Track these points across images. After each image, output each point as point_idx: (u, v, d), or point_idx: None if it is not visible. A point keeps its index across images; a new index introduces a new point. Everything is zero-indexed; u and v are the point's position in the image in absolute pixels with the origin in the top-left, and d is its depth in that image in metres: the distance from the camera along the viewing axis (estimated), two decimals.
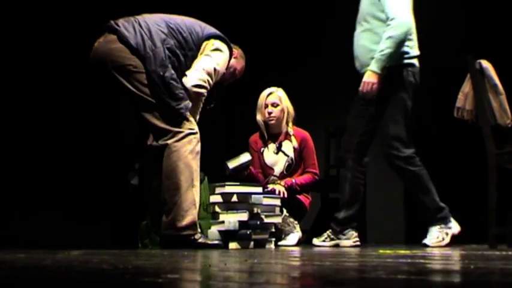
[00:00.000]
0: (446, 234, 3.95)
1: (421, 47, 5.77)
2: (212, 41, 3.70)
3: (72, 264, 2.08)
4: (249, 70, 4.14)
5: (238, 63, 3.99)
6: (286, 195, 4.37)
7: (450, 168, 5.74)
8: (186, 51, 3.62)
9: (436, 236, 3.96)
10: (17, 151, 4.45)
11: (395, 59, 3.96)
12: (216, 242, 3.60)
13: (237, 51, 3.94)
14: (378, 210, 5.72)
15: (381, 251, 3.10)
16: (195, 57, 3.65)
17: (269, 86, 4.74)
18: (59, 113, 4.59)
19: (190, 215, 3.47)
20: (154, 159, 3.57)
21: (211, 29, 3.74)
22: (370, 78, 3.91)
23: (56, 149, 4.56)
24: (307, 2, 5.99)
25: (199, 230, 3.54)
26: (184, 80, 3.59)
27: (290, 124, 4.68)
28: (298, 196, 4.55)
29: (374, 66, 3.91)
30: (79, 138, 4.63)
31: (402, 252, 3.02)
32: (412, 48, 4.09)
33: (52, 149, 4.55)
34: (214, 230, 3.74)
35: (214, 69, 3.63)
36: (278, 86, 4.73)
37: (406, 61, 4.03)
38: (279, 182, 4.53)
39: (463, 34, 5.66)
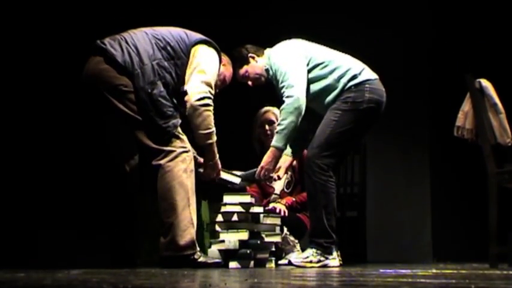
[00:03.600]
0: (319, 261, 3.88)
1: (421, 66, 5.82)
2: (200, 46, 3.69)
3: (72, 284, 2.07)
4: (245, 90, 4.15)
5: (227, 69, 4.00)
6: (287, 214, 4.36)
7: (450, 187, 5.74)
8: (175, 61, 3.60)
9: (306, 256, 3.90)
10: (14, 171, 4.45)
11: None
12: (216, 261, 3.59)
13: (224, 58, 3.95)
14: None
15: (381, 270, 3.09)
16: (184, 64, 3.63)
17: (265, 105, 4.75)
18: (57, 131, 4.59)
19: (189, 234, 3.45)
20: (147, 179, 3.56)
21: (197, 35, 3.73)
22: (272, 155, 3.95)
23: (53, 170, 4.56)
24: (299, 21, 6.01)
25: (198, 248, 3.52)
26: (186, 98, 3.60)
27: None
28: (298, 215, 4.54)
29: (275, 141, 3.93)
30: (75, 157, 4.63)
31: (403, 271, 3.01)
32: (344, 75, 3.95)
33: (50, 170, 4.55)
34: (214, 249, 3.73)
35: (211, 78, 3.64)
36: (273, 105, 4.73)
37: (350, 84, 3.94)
38: (279, 200, 4.53)
39: (463, 53, 5.69)
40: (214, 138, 3.67)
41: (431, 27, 5.87)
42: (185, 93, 3.63)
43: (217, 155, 3.75)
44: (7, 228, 4.30)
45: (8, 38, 4.49)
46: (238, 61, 4.12)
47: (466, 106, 3.92)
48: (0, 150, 4.38)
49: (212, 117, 3.62)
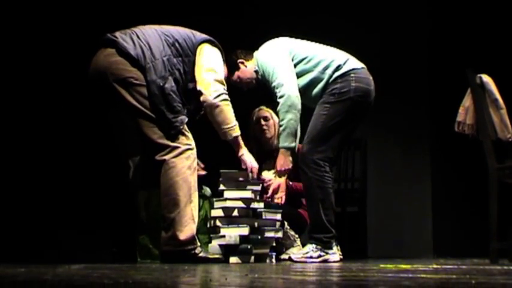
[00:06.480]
0: (319, 256, 3.88)
1: (421, 61, 5.82)
2: (205, 45, 3.73)
3: (73, 279, 2.08)
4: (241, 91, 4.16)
5: (225, 69, 4.02)
6: (283, 200, 4.27)
7: (451, 182, 5.73)
8: (183, 58, 3.65)
9: (306, 251, 3.90)
10: (16, 167, 4.45)
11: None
12: (217, 256, 3.59)
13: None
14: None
15: (381, 266, 3.10)
16: (191, 62, 3.67)
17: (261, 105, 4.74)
18: (59, 129, 4.60)
19: (190, 230, 3.47)
20: (150, 174, 3.57)
21: (202, 35, 3.79)
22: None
23: (54, 166, 4.57)
24: (298, 25, 6.00)
25: (198, 243, 3.53)
26: (202, 98, 3.61)
27: None
28: (298, 210, 4.53)
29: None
30: (77, 152, 4.63)
31: (403, 267, 3.01)
32: (329, 66, 3.96)
33: (51, 166, 4.56)
34: (214, 244, 3.73)
35: (221, 75, 3.70)
36: (268, 105, 4.70)
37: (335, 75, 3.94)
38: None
39: (463, 48, 5.68)
40: (239, 131, 3.69)
41: (428, 23, 5.86)
42: (193, 90, 3.63)
43: (245, 148, 3.76)
44: (9, 223, 4.31)
45: (14, 33, 4.50)
46: (229, 68, 4.13)
47: (467, 101, 3.92)
48: (3, 147, 4.38)
49: (232, 111, 3.65)
